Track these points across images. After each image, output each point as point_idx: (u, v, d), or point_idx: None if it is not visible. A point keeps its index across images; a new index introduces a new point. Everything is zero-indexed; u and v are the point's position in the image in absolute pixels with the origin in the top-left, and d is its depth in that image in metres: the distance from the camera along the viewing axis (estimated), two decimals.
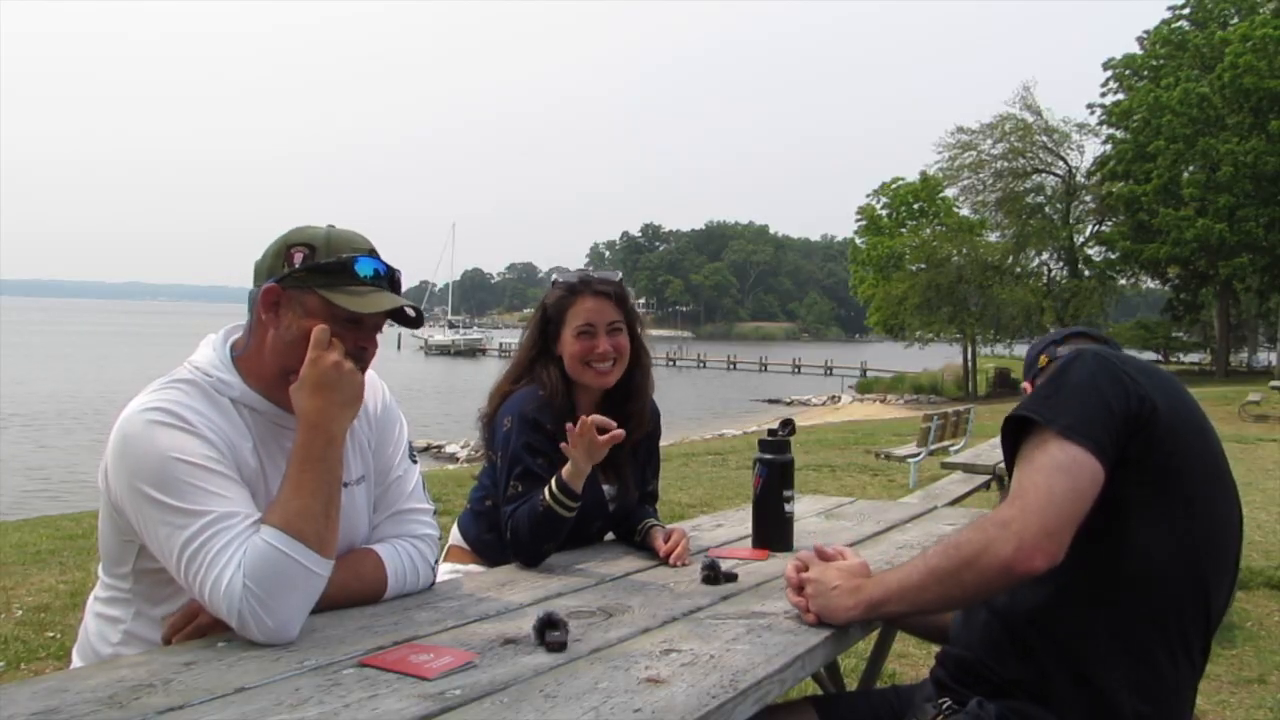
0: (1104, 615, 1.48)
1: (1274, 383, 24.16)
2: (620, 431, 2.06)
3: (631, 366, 2.34)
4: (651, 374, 2.42)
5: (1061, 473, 1.41)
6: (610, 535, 2.50)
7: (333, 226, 1.70)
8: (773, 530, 2.31)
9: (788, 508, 2.32)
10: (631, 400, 2.33)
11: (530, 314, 2.46)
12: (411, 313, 1.70)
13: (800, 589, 1.71)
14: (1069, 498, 1.41)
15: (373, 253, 1.68)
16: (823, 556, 1.75)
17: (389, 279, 1.69)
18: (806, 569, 1.72)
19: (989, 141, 42.73)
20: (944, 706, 1.60)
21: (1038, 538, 1.39)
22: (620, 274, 2.41)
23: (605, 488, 2.34)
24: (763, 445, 2.33)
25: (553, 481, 2.11)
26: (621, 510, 2.41)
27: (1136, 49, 43.09)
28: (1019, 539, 1.39)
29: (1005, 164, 42.77)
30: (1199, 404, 1.56)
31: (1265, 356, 51.10)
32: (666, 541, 2.21)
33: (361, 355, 1.68)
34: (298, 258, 1.64)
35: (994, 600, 1.56)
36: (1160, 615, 1.48)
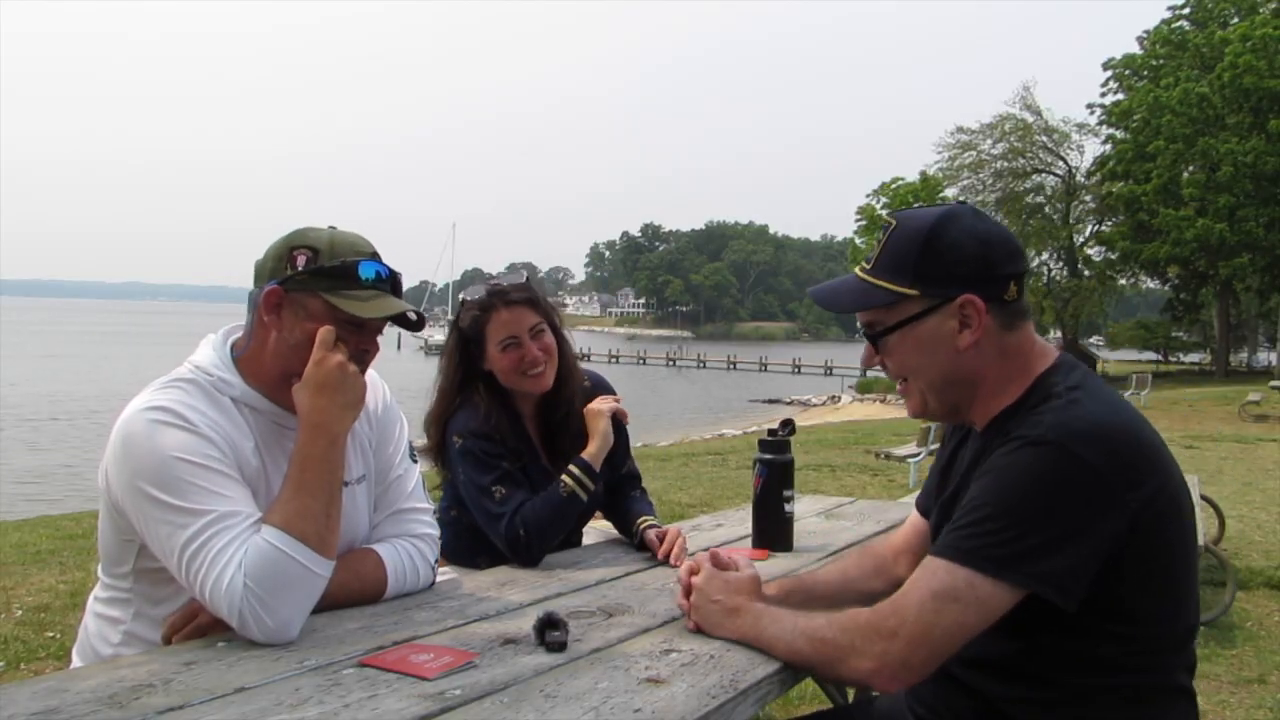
0: (1092, 707, 1.38)
1: (1274, 383, 24.17)
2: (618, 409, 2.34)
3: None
4: (575, 361, 2.41)
5: (957, 607, 1.31)
6: (606, 528, 2.52)
7: (335, 229, 1.70)
8: (773, 530, 2.32)
9: (788, 508, 2.33)
10: (562, 389, 2.33)
11: None
12: (413, 316, 1.70)
13: (688, 594, 1.63)
14: (950, 634, 1.32)
15: (375, 256, 1.69)
16: (717, 563, 1.64)
17: (391, 282, 1.69)
18: (698, 572, 1.63)
19: (989, 141, 42.77)
20: None
21: (897, 669, 1.34)
22: (526, 274, 2.37)
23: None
24: (763, 445, 2.33)
25: (572, 466, 2.20)
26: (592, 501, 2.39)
27: (1136, 49, 43.09)
28: (880, 662, 1.34)
29: (1005, 164, 42.78)
30: (1158, 433, 1.41)
31: (1265, 356, 51.09)
32: (663, 542, 2.22)
33: (363, 358, 1.69)
34: (301, 260, 1.64)
35: (965, 683, 1.47)
36: (1152, 681, 1.39)
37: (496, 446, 2.25)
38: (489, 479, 2.21)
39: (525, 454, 2.32)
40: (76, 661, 1.72)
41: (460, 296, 2.37)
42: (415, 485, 1.88)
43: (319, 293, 1.63)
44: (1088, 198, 43.14)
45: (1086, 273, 43.20)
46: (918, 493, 1.84)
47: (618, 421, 2.44)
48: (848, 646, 1.37)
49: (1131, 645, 1.37)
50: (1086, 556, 1.30)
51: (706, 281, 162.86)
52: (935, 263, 1.43)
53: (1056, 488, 1.30)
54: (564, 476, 2.20)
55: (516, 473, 2.24)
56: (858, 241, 43.99)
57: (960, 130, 43.09)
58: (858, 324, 1.56)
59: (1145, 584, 1.35)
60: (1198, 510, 5.37)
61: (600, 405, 2.32)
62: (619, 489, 2.49)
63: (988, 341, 1.44)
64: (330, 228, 1.70)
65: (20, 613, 4.43)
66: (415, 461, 1.92)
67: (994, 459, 1.37)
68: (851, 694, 2.70)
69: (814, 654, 1.42)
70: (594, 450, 2.24)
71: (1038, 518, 1.30)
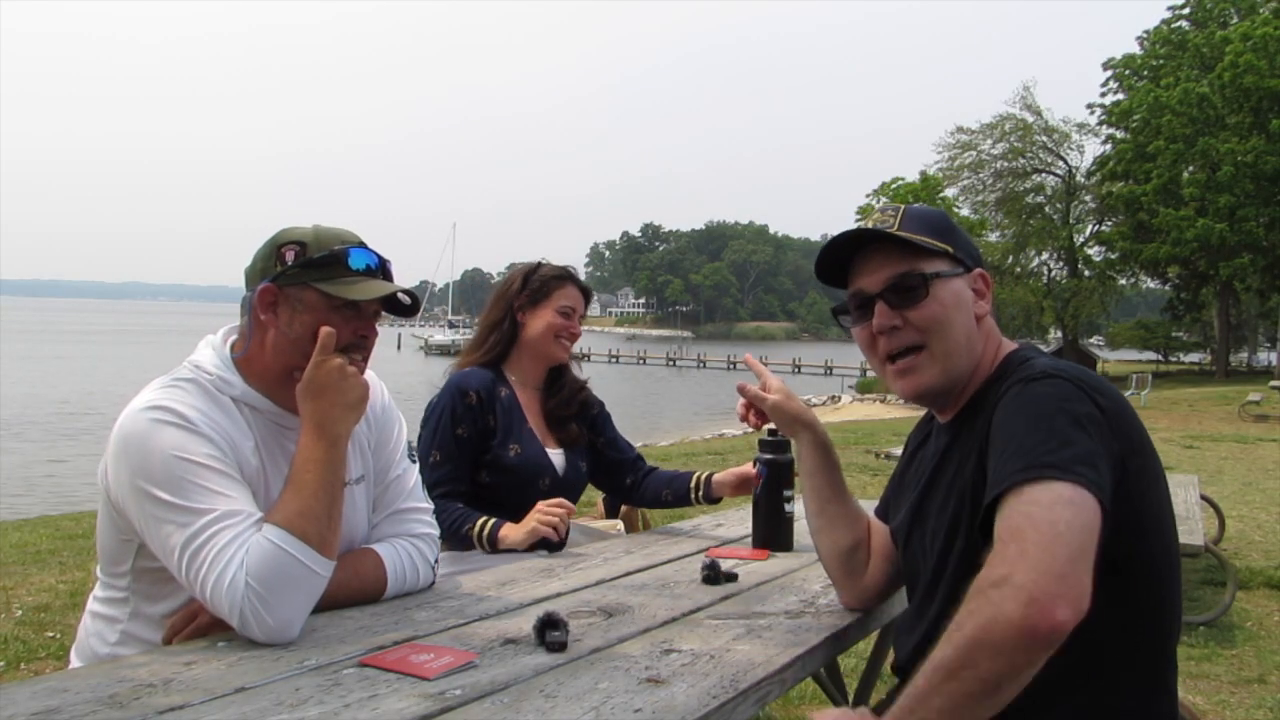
0: (1096, 684, 1.34)
1: (1274, 383, 24.13)
2: (567, 512, 2.30)
3: None
4: (579, 363, 2.81)
5: (1064, 506, 1.18)
6: (606, 527, 2.53)
7: (318, 225, 1.71)
8: (772, 530, 2.32)
9: (788, 508, 2.33)
10: (564, 376, 2.70)
11: None
12: (407, 299, 1.71)
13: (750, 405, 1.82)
14: (1076, 533, 1.16)
15: (361, 244, 1.70)
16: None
17: (381, 270, 1.71)
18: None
19: (989, 141, 42.81)
20: None
21: (1049, 583, 1.11)
22: None
23: (549, 450, 2.58)
24: (763, 445, 2.33)
25: (490, 526, 2.30)
26: (574, 474, 2.61)
27: (1136, 49, 43.07)
28: (1026, 592, 1.11)
29: (1005, 164, 42.82)
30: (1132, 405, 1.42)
31: (1265, 356, 51.13)
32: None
33: (363, 344, 1.70)
34: (290, 256, 1.65)
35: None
36: (1152, 658, 1.38)
37: (464, 406, 2.46)
38: (435, 440, 2.44)
39: (514, 416, 2.54)
40: (75, 661, 1.72)
41: (542, 259, 2.71)
42: (414, 485, 1.89)
43: (311, 284, 1.64)
44: (1088, 198, 43.14)
45: (1086, 273, 43.22)
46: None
47: (601, 410, 2.76)
48: (983, 608, 1.14)
49: (1117, 616, 1.33)
50: (1108, 474, 1.27)
51: (706, 281, 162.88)
52: (957, 236, 1.55)
53: (1073, 405, 1.29)
54: (482, 522, 2.30)
55: (465, 440, 2.45)
56: None
57: (960, 130, 43.18)
58: (874, 294, 1.50)
59: (1130, 547, 1.33)
60: (1198, 510, 5.38)
61: (539, 518, 2.28)
62: (636, 469, 2.73)
63: (987, 321, 1.54)
64: (314, 225, 1.71)
65: (20, 613, 4.43)
66: (414, 461, 1.92)
67: (1002, 404, 1.36)
68: (851, 694, 2.70)
69: (959, 646, 1.15)
70: (505, 536, 2.29)
71: (1069, 429, 1.26)
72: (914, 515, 1.57)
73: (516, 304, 2.61)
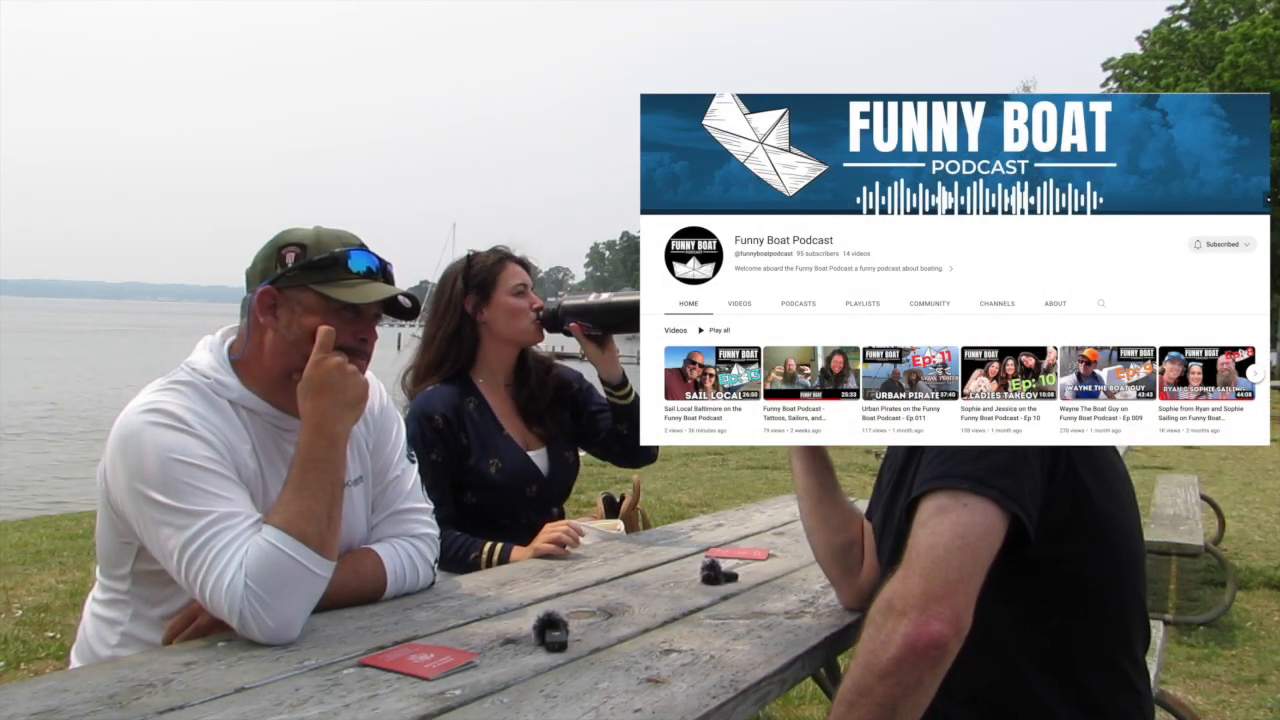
0: (1058, 684, 1.37)
1: (1274, 382, 24.15)
2: (576, 534, 2.22)
3: None
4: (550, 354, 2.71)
5: (959, 525, 1.24)
6: (604, 528, 2.52)
7: (319, 226, 1.72)
8: (612, 319, 2.39)
9: (602, 298, 2.43)
10: (526, 363, 2.54)
11: None
12: (407, 303, 1.71)
13: None
14: (961, 553, 1.22)
15: (362, 247, 1.70)
16: None
17: (382, 273, 1.71)
18: None
19: None
20: None
21: (926, 604, 1.19)
22: None
23: (532, 453, 2.48)
24: (548, 322, 2.44)
25: (499, 549, 2.25)
26: (561, 472, 2.53)
27: (1136, 49, 43.11)
28: (905, 617, 1.19)
29: None
30: None
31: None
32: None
33: (363, 347, 1.70)
34: (290, 258, 1.65)
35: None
36: (1107, 646, 1.39)
37: (431, 430, 2.35)
38: (420, 469, 2.32)
39: (488, 427, 2.42)
40: (75, 662, 1.72)
41: (469, 251, 2.55)
42: (413, 485, 1.88)
43: (311, 286, 1.64)
44: None
45: None
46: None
47: (581, 383, 2.63)
48: (870, 634, 1.23)
49: (1062, 619, 1.37)
50: (1036, 476, 1.30)
51: None
52: None
53: None
54: (489, 547, 2.25)
55: (441, 464, 2.34)
56: None
57: None
58: None
59: (1078, 548, 1.36)
60: (1198, 510, 5.38)
61: (548, 537, 2.22)
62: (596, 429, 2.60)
63: None
64: (315, 226, 1.72)
65: (20, 613, 4.43)
66: (413, 462, 1.92)
67: None
68: None
69: (855, 674, 1.23)
70: (516, 554, 2.24)
71: None
72: (885, 511, 1.59)
73: (469, 305, 2.46)
